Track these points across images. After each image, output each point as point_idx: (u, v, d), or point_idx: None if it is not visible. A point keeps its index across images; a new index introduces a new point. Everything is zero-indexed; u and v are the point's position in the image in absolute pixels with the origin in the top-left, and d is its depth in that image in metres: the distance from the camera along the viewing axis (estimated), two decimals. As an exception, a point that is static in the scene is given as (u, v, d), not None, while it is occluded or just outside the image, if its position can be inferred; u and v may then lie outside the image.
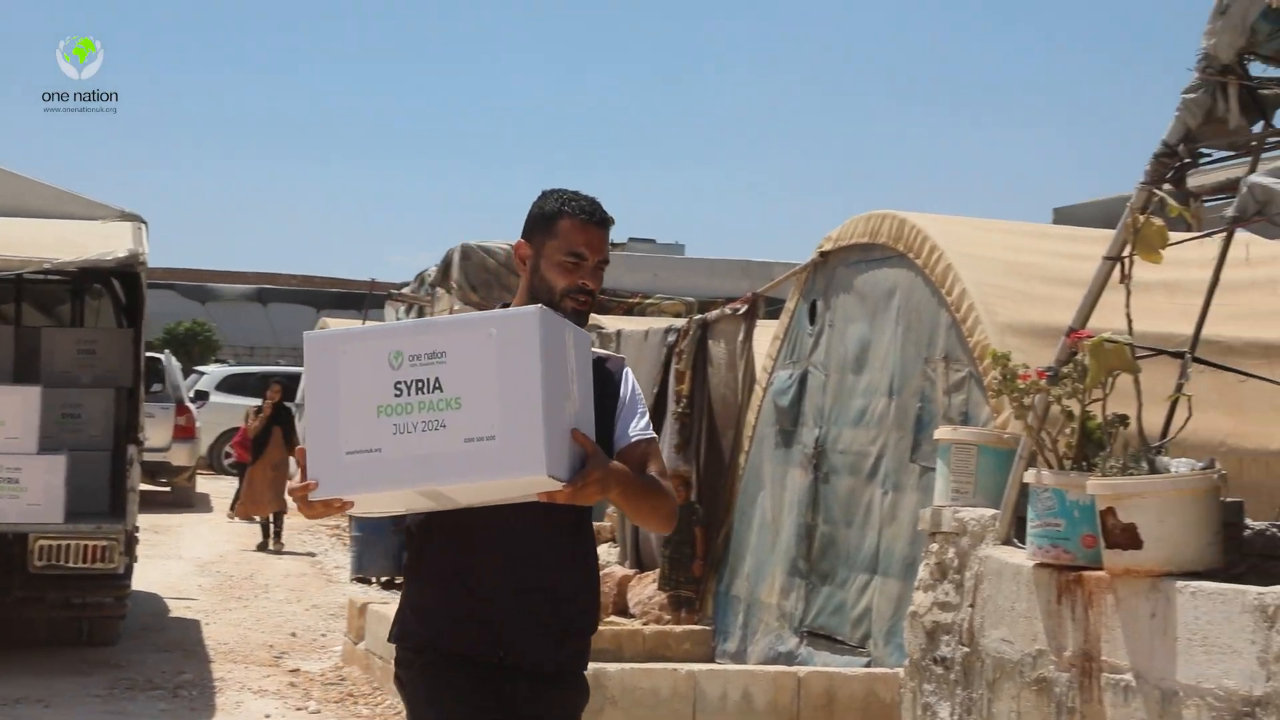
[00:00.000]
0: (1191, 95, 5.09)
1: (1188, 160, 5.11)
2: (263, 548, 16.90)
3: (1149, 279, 5.97)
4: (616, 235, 23.69)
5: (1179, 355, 5.31)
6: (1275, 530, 5.68)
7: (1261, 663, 3.96)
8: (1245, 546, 5.36)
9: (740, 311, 10.49)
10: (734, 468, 10.19)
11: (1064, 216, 16.86)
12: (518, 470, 2.91)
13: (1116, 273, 5.03)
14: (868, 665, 7.99)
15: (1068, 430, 4.87)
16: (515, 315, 2.99)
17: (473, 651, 3.34)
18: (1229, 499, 5.02)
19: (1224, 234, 5.52)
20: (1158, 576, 4.39)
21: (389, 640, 3.52)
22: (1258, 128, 5.24)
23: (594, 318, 16.17)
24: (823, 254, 9.16)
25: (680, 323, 11.72)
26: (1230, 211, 5.39)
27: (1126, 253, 4.95)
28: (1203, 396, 5.72)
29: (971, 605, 5.48)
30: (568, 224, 3.38)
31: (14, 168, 10.81)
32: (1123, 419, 4.74)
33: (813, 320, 9.31)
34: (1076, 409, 4.80)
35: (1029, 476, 4.95)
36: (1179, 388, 5.10)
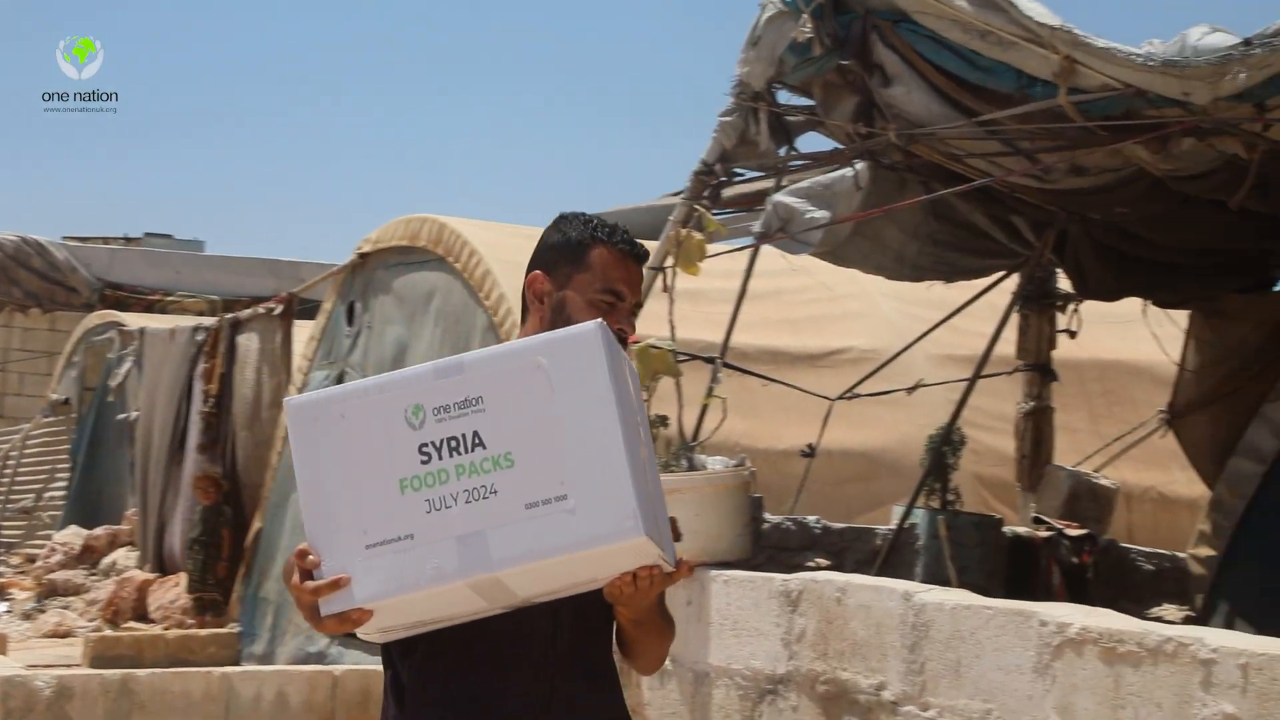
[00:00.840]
0: (727, 119, 5.47)
1: (724, 178, 5.50)
2: None
3: (677, 287, 6.36)
4: (130, 230, 22.81)
5: (711, 361, 5.69)
6: (789, 524, 6.17)
7: (785, 643, 4.30)
8: (763, 539, 5.80)
9: (276, 311, 10.38)
10: (265, 469, 10.07)
11: (585, 226, 17.49)
12: (606, 535, 2.22)
13: (658, 282, 5.34)
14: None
15: (613, 429, 5.11)
16: (569, 337, 2.32)
17: None
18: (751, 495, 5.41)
19: (752, 248, 5.96)
20: (694, 567, 4.69)
21: None
22: (783, 151, 5.70)
23: (113, 314, 15.51)
24: (362, 255, 9.20)
25: (210, 321, 11.46)
26: (757, 227, 5.83)
27: (669, 264, 5.27)
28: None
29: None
30: (604, 254, 2.69)
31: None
32: (664, 419, 5.05)
33: (351, 321, 9.33)
34: (622, 409, 5.05)
35: (575, 474, 5.16)
36: (710, 391, 5.46)
